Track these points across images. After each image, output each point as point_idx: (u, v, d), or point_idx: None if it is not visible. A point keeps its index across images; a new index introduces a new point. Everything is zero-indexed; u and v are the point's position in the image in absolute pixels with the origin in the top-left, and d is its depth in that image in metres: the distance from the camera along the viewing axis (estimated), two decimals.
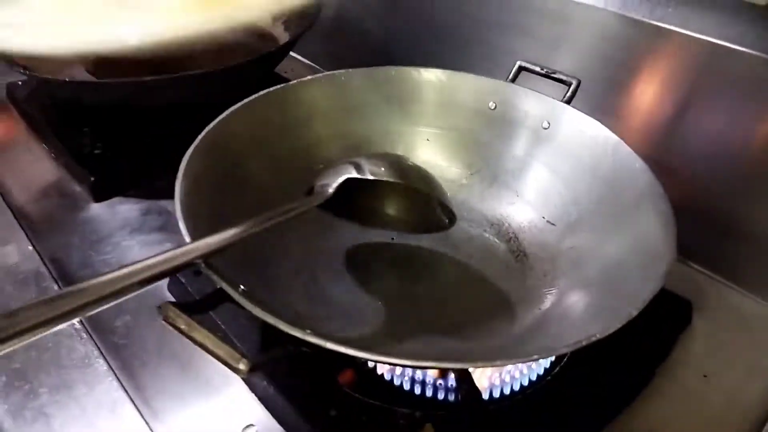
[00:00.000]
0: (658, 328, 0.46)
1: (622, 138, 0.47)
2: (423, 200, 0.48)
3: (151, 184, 0.63)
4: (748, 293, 0.52)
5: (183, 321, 0.32)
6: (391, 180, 0.45)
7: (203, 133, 0.44)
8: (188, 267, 0.33)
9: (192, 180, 0.40)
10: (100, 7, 0.32)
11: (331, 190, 0.43)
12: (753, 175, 0.51)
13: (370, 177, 0.44)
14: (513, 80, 0.55)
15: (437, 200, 0.47)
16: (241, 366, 0.30)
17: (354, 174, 0.44)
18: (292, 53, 0.75)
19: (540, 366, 0.43)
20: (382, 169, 0.45)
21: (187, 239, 0.35)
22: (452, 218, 0.48)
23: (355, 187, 0.45)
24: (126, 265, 0.31)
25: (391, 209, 0.50)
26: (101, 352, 0.44)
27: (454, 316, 0.45)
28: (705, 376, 0.45)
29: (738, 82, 0.49)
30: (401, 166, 0.48)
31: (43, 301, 0.26)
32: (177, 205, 0.38)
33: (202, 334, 0.31)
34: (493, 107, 0.54)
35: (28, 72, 0.60)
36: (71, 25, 0.30)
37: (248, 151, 0.48)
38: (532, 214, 0.52)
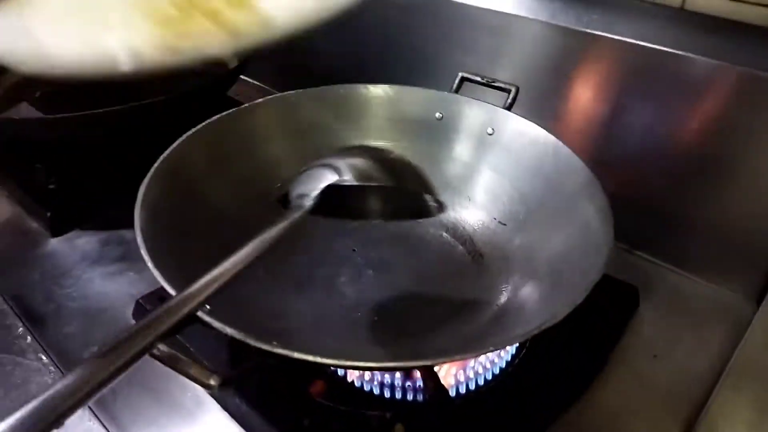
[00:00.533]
0: (608, 314, 0.49)
1: (562, 138, 0.50)
2: (410, 193, 0.46)
3: (107, 215, 0.63)
4: (690, 276, 0.56)
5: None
6: (378, 184, 0.41)
7: (159, 162, 0.45)
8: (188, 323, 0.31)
9: (151, 208, 0.41)
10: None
11: (309, 203, 0.39)
12: (686, 165, 0.55)
13: (354, 183, 0.40)
14: (457, 90, 0.58)
15: (426, 191, 0.45)
16: (212, 381, 0.31)
17: (334, 179, 0.40)
18: (241, 76, 0.76)
19: (502, 359, 0.46)
20: (365, 170, 0.40)
21: (153, 269, 0.36)
22: (441, 206, 0.45)
23: (333, 189, 0.41)
24: (129, 334, 0.28)
25: (375, 203, 0.46)
26: None
27: (418, 319, 0.47)
28: (654, 356, 0.48)
29: (662, 78, 0.53)
30: (385, 165, 0.43)
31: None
32: (138, 236, 0.38)
33: (171, 355, 0.32)
34: (439, 117, 0.57)
35: None
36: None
37: (204, 176, 0.49)
38: (484, 216, 0.54)
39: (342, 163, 0.41)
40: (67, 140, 0.64)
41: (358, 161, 0.41)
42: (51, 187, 0.64)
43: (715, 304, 0.53)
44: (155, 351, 0.32)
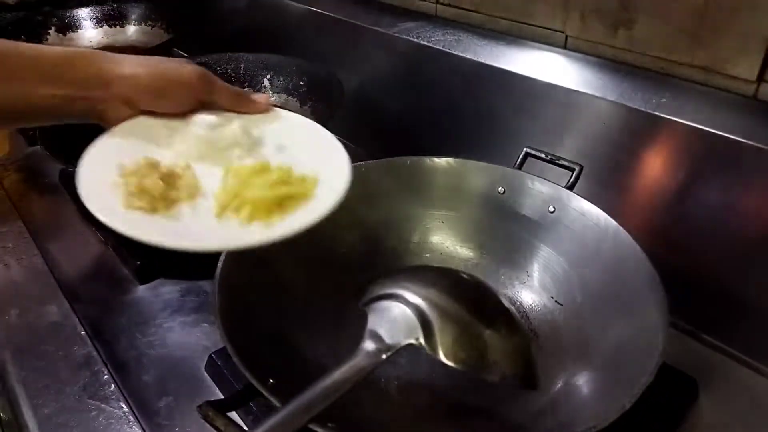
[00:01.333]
0: (664, 407, 0.48)
1: (624, 215, 0.51)
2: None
3: (188, 266, 0.68)
4: (754, 365, 0.54)
5: (220, 421, 0.36)
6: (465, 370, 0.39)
7: None
8: None
9: (227, 286, 0.45)
10: None
11: (384, 356, 0.38)
12: (754, 251, 0.53)
13: (442, 359, 0.38)
14: (520, 166, 0.59)
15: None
16: None
17: (420, 341, 0.38)
18: None
19: None
20: (453, 342, 0.38)
21: (237, 361, 0.39)
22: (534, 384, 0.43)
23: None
24: None
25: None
26: None
27: (471, 400, 0.48)
28: None
29: (731, 166, 0.52)
30: (480, 339, 0.40)
31: None
32: (217, 318, 0.42)
33: None
34: (502, 192, 0.58)
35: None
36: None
37: (276, 249, 0.53)
38: (541, 294, 0.55)
39: (434, 315, 0.39)
40: None
41: (452, 329, 0.39)
42: None
43: None
44: (222, 428, 0.36)
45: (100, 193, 0.41)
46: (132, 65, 0.45)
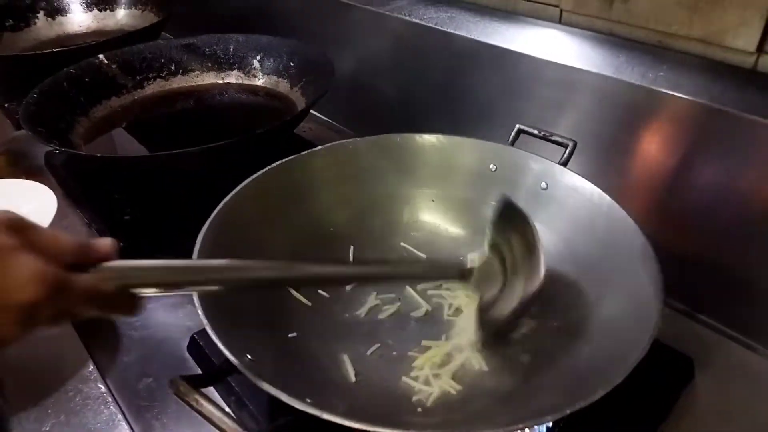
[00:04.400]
0: (658, 386, 0.46)
1: (620, 192, 0.49)
2: None
3: (175, 246, 0.66)
4: (752, 345, 0.52)
5: (192, 395, 0.34)
6: None
7: (216, 211, 0.48)
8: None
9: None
10: None
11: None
12: (753, 228, 0.51)
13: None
14: (513, 142, 0.57)
15: None
16: None
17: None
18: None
19: (542, 425, 0.44)
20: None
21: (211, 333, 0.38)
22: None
23: None
24: None
25: None
26: (124, 416, 0.47)
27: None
28: None
29: (730, 140, 0.50)
30: None
31: None
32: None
33: (208, 409, 0.34)
34: (494, 169, 0.57)
35: (62, 149, 0.65)
36: None
37: (260, 221, 0.52)
38: None
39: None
40: (144, 176, 0.69)
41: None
42: (126, 218, 0.69)
43: None
44: (194, 403, 0.34)
45: None
46: None
